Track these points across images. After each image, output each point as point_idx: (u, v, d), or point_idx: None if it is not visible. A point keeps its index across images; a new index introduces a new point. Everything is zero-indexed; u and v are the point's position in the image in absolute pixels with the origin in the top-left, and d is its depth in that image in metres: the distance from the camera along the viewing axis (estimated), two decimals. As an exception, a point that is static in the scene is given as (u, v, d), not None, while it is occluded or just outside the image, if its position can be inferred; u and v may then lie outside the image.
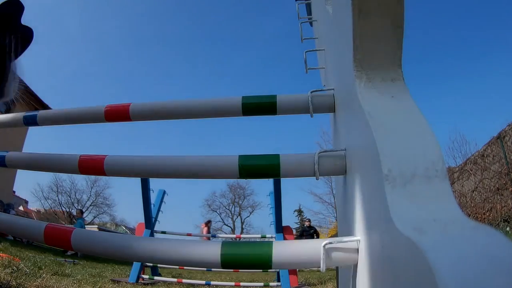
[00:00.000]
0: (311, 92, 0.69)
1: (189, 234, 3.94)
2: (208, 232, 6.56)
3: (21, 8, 1.42)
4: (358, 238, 0.43)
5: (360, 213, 0.44)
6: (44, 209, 20.43)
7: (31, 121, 0.92)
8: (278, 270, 2.96)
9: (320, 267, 0.44)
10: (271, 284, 3.15)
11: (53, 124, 0.94)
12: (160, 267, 3.72)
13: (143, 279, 2.95)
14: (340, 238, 0.46)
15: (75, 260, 4.24)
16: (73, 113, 0.88)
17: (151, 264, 3.16)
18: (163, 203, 3.61)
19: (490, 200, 6.11)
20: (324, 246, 0.44)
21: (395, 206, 0.32)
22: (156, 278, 3.13)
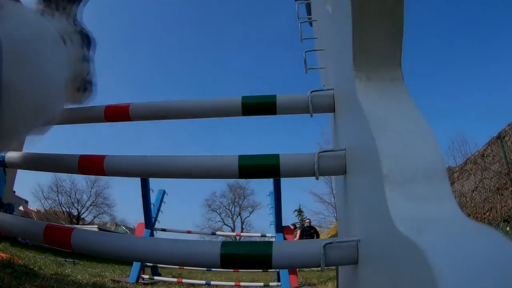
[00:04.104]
0: (311, 92, 0.69)
1: (188, 232, 3.94)
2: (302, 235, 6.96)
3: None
4: (358, 238, 0.43)
5: (360, 213, 0.44)
6: (44, 209, 20.41)
7: None
8: (278, 270, 2.96)
9: (320, 267, 0.44)
10: (271, 284, 3.15)
11: (53, 124, 0.94)
12: (160, 267, 3.72)
13: (143, 279, 2.95)
14: (340, 238, 0.46)
15: (75, 260, 4.24)
16: (72, 113, 0.88)
17: (151, 264, 3.16)
18: (163, 203, 3.61)
19: (490, 200, 6.11)
20: (324, 246, 0.44)
21: (395, 206, 0.32)
22: (156, 278, 3.13)
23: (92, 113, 0.83)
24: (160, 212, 3.52)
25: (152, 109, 0.78)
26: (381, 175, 0.35)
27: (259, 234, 4.02)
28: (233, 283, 3.10)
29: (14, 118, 0.54)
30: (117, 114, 0.80)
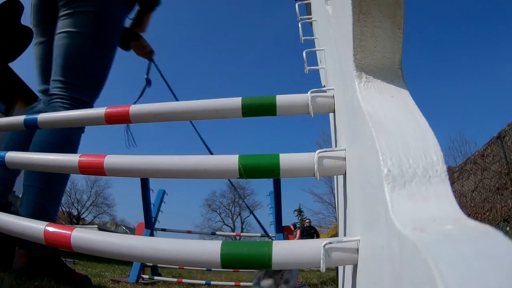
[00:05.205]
0: (311, 92, 0.69)
1: (189, 232, 3.94)
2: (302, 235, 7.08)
3: (20, 8, 1.42)
4: (358, 238, 0.43)
5: (360, 213, 0.44)
6: (44, 209, 20.36)
7: (32, 124, 0.91)
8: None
9: (320, 267, 0.44)
10: (271, 284, 3.14)
11: (54, 126, 0.94)
12: (160, 267, 3.72)
13: (143, 279, 2.95)
14: (340, 238, 0.46)
15: (75, 260, 4.23)
16: (73, 115, 0.88)
17: (151, 264, 3.16)
18: (163, 203, 3.61)
19: (490, 200, 6.12)
20: (324, 246, 0.44)
21: (395, 206, 0.32)
22: (156, 278, 3.13)
23: (93, 116, 0.84)
24: (160, 212, 3.52)
25: (152, 111, 0.78)
26: (381, 175, 0.35)
27: (259, 234, 4.01)
28: (233, 283, 3.09)
29: None
30: (117, 116, 0.80)
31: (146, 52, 1.96)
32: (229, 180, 2.34)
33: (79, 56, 1.38)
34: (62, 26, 1.41)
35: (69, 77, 1.37)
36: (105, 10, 1.43)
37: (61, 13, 1.42)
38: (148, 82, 2.01)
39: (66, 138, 1.30)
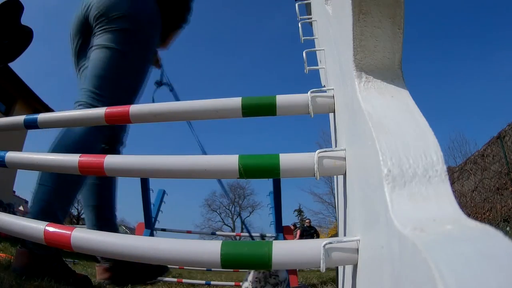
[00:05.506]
0: (311, 92, 0.69)
1: (189, 232, 3.95)
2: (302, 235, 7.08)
3: (20, 8, 1.42)
4: (358, 238, 0.43)
5: (360, 213, 0.44)
6: (44, 209, 20.35)
7: (31, 124, 0.92)
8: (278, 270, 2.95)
9: (320, 267, 0.44)
10: (271, 284, 3.14)
11: (54, 126, 0.94)
12: (160, 267, 3.72)
13: (143, 279, 2.94)
14: (339, 238, 0.46)
15: (75, 260, 4.23)
16: (73, 115, 0.88)
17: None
18: (163, 203, 3.61)
19: (490, 200, 6.12)
20: (324, 246, 0.44)
21: (395, 206, 0.32)
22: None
23: (93, 116, 0.84)
24: (160, 212, 3.52)
25: (152, 111, 0.78)
26: (381, 175, 0.35)
27: (259, 234, 4.02)
28: (233, 283, 3.09)
29: None
30: (117, 116, 0.80)
31: (154, 63, 1.99)
32: (222, 185, 2.34)
33: (109, 68, 1.41)
34: (97, 41, 1.46)
35: (97, 87, 1.40)
36: (139, 30, 1.48)
37: (96, 31, 1.48)
38: (165, 84, 2.03)
39: (85, 140, 1.30)
